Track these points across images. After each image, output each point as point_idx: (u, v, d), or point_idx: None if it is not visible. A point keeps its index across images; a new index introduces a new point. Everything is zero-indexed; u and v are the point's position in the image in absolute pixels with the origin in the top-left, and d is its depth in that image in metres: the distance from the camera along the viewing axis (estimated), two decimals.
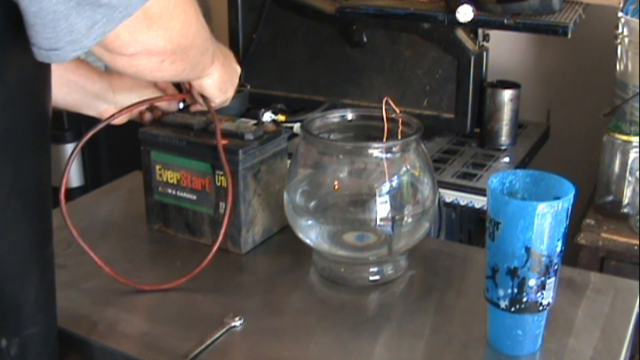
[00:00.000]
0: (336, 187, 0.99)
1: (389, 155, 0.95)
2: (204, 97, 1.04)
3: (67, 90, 1.03)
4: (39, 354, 0.79)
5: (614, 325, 0.90)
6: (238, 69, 1.07)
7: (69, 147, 1.79)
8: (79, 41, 0.65)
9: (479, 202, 1.40)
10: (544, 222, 0.77)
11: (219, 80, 1.00)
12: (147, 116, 1.13)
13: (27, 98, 0.71)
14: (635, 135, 1.39)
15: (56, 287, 0.95)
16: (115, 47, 0.70)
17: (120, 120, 1.07)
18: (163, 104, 1.11)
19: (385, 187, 0.95)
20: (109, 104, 1.07)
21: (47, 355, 0.80)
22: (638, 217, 1.38)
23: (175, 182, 1.08)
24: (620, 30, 1.48)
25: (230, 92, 1.05)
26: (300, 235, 1.00)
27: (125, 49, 0.71)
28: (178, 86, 1.11)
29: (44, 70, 0.73)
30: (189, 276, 0.97)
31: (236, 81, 1.06)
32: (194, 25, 0.79)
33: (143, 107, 1.10)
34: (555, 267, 0.80)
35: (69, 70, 1.01)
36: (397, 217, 0.95)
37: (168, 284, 0.97)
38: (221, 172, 1.02)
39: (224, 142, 1.02)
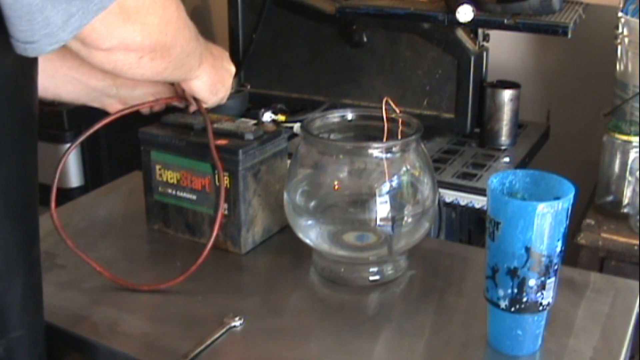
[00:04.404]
0: (336, 187, 0.99)
1: (389, 155, 0.95)
2: (196, 98, 1.04)
3: (71, 87, 1.03)
4: (26, 356, 0.78)
5: (614, 325, 0.90)
6: (231, 69, 1.06)
7: None
8: (55, 34, 0.65)
9: (479, 202, 1.40)
10: (544, 222, 0.77)
11: (208, 82, 1.00)
12: (157, 107, 1.12)
13: (9, 96, 0.70)
14: (635, 135, 1.39)
15: (55, 287, 0.95)
16: (91, 41, 0.70)
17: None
18: (175, 101, 1.11)
19: (385, 187, 0.95)
20: (113, 100, 1.07)
21: (35, 358, 0.80)
22: (638, 217, 1.38)
23: (175, 182, 1.08)
24: (620, 30, 1.48)
25: (222, 93, 1.05)
26: (300, 235, 1.00)
27: (102, 43, 0.71)
28: None
29: (28, 67, 0.73)
30: (185, 275, 0.97)
31: (229, 82, 1.06)
32: (174, 22, 0.79)
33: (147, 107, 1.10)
34: (555, 267, 0.80)
35: (72, 68, 1.01)
36: (397, 217, 0.95)
37: (166, 283, 0.97)
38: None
39: (224, 142, 1.02)
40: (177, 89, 1.08)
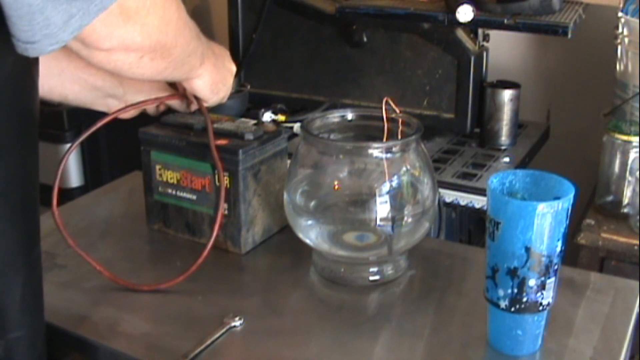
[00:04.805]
0: (336, 187, 0.99)
1: (389, 155, 0.95)
2: (197, 97, 1.04)
3: (79, 88, 1.03)
4: (25, 357, 0.78)
5: (614, 325, 0.90)
6: (232, 68, 1.07)
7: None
8: (55, 35, 0.65)
9: (479, 202, 1.40)
10: (544, 222, 0.77)
11: (209, 82, 1.00)
12: (162, 107, 1.13)
13: (9, 96, 0.70)
14: (635, 135, 1.39)
15: (55, 287, 0.95)
16: (91, 42, 0.70)
17: (130, 114, 1.07)
18: (175, 104, 1.11)
19: (385, 187, 0.95)
20: (119, 101, 1.07)
21: (34, 358, 0.80)
22: (638, 217, 1.38)
23: (175, 182, 1.08)
24: (620, 30, 1.48)
25: (223, 92, 1.05)
26: (300, 235, 1.00)
27: (102, 43, 0.71)
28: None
29: (29, 68, 0.73)
30: (185, 274, 0.97)
31: (230, 81, 1.06)
32: (174, 22, 0.79)
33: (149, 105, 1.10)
34: (555, 267, 0.80)
35: (79, 68, 1.01)
36: (397, 217, 0.95)
37: (166, 283, 0.97)
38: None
39: (224, 142, 1.02)
40: (178, 88, 1.08)
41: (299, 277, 1.03)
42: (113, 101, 1.07)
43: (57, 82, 1.01)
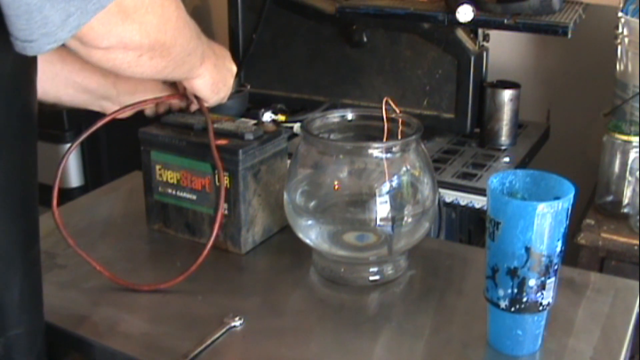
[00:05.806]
0: (336, 187, 0.99)
1: (389, 155, 0.95)
2: (197, 97, 1.04)
3: (73, 91, 1.04)
4: (25, 354, 0.78)
5: (614, 325, 0.90)
6: (233, 68, 1.07)
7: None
8: (53, 34, 0.65)
9: (479, 202, 1.40)
10: (544, 222, 0.77)
11: (210, 82, 1.00)
12: (162, 108, 1.13)
13: (8, 96, 0.70)
14: (635, 135, 1.39)
15: (55, 287, 0.95)
16: (89, 40, 0.70)
17: (127, 113, 1.07)
18: (175, 103, 1.11)
19: (385, 187, 0.95)
20: (113, 103, 1.07)
21: (34, 356, 0.80)
22: (638, 217, 1.38)
23: (175, 182, 1.08)
24: (620, 30, 1.48)
25: (224, 92, 1.05)
26: (300, 235, 1.00)
27: (100, 42, 0.71)
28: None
29: (27, 67, 0.73)
30: (185, 274, 0.97)
31: (230, 81, 1.06)
32: (173, 21, 0.79)
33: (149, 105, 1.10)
34: (555, 267, 0.80)
35: (73, 71, 1.02)
36: (397, 217, 0.95)
37: (166, 283, 0.97)
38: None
39: (224, 142, 1.02)
40: (178, 87, 1.08)
41: (299, 277, 1.03)
42: (107, 103, 1.07)
43: (51, 85, 1.01)
